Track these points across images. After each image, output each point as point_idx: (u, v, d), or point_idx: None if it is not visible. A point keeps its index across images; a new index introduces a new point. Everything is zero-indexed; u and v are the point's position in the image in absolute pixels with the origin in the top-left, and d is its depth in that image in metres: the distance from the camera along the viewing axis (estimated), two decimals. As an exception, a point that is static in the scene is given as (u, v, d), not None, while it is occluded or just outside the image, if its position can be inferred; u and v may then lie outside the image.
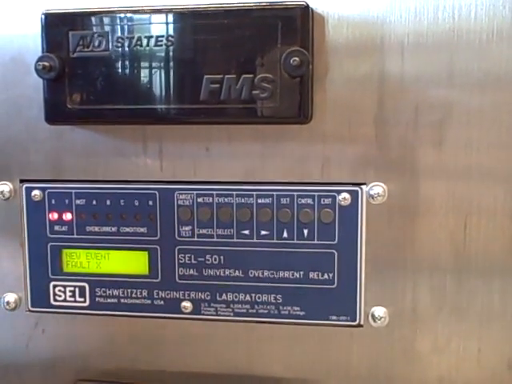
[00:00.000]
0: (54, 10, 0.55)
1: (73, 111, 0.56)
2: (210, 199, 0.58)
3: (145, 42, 0.54)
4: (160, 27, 0.54)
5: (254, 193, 0.57)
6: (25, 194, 0.60)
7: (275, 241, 0.58)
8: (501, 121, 0.53)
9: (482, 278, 0.55)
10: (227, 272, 0.59)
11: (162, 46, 0.54)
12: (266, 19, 0.53)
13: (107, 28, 0.55)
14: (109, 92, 0.55)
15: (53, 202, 0.60)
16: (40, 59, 0.55)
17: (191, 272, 0.59)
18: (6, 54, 0.59)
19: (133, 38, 0.54)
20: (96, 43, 0.55)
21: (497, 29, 0.52)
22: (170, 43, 0.54)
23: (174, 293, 0.60)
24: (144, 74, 0.55)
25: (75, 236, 0.60)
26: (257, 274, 0.58)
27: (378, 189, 0.55)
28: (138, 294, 0.60)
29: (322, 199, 0.56)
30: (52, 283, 0.61)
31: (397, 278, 0.57)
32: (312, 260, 0.57)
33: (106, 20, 0.55)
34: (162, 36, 0.54)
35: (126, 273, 0.60)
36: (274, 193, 0.57)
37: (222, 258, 0.59)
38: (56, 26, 0.55)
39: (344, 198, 0.56)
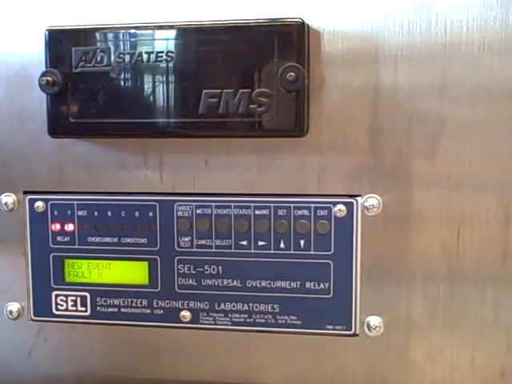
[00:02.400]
0: (57, 26, 0.57)
1: (75, 125, 0.57)
2: (209, 210, 0.59)
3: (145, 57, 0.56)
4: (160, 43, 0.55)
5: (252, 204, 0.58)
6: (28, 205, 0.62)
7: (272, 251, 0.59)
8: (492, 132, 0.54)
9: (474, 287, 0.56)
10: (225, 282, 0.60)
11: (161, 61, 0.55)
12: (263, 35, 0.54)
13: (109, 44, 0.56)
14: (110, 106, 0.57)
15: (55, 213, 0.61)
16: (43, 74, 0.56)
17: (190, 282, 0.60)
18: (10, 69, 0.60)
19: (134, 53, 0.56)
20: (98, 59, 0.56)
21: (488, 43, 0.53)
22: (169, 59, 0.55)
23: (174, 302, 0.61)
24: (144, 88, 0.56)
25: (77, 246, 0.62)
26: (254, 284, 0.59)
27: (372, 201, 0.56)
28: (138, 303, 0.61)
29: (318, 211, 0.58)
30: (54, 293, 0.63)
31: (391, 287, 0.57)
32: (308, 270, 0.58)
33: (108, 36, 0.56)
34: (162, 52, 0.55)
35: (126, 283, 0.61)
36: (272, 204, 0.58)
37: (220, 268, 0.60)
38: (59, 42, 0.57)
39: (340, 209, 0.57)
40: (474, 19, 0.53)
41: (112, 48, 0.56)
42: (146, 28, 0.56)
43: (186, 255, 0.60)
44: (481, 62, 0.53)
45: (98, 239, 0.61)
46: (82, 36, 0.56)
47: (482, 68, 0.53)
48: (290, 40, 0.54)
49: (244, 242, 0.59)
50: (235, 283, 0.60)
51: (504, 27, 0.53)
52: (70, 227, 0.61)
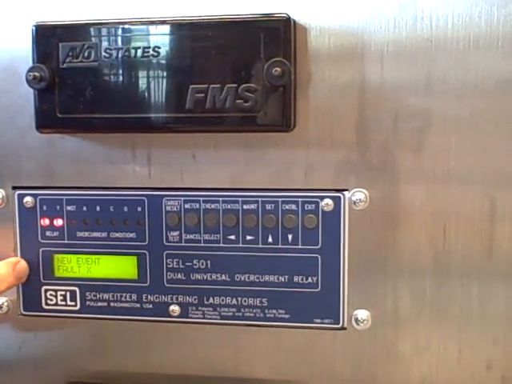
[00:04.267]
0: (44, 21, 0.57)
1: (63, 120, 0.57)
2: (197, 205, 0.59)
3: (132, 52, 0.56)
4: (147, 38, 0.55)
5: (240, 199, 0.59)
6: (17, 200, 0.62)
7: (260, 246, 0.59)
8: (477, 127, 0.54)
9: (460, 280, 0.57)
10: (214, 276, 0.60)
11: (148, 56, 0.56)
12: (249, 31, 0.54)
13: (96, 39, 0.56)
14: (97, 101, 0.57)
15: (44, 208, 0.62)
16: (31, 70, 0.56)
17: (179, 276, 0.61)
18: (-2, 64, 0.60)
19: (121, 49, 0.56)
20: (85, 54, 0.56)
21: (473, 38, 0.53)
22: (156, 54, 0.55)
23: (163, 297, 0.61)
24: (131, 83, 0.56)
25: (66, 241, 0.62)
26: (243, 278, 0.60)
27: (359, 195, 0.57)
28: (128, 297, 0.62)
29: (305, 205, 0.58)
30: (44, 287, 0.63)
31: (379, 281, 0.58)
32: (296, 264, 0.59)
33: (95, 32, 0.56)
34: (149, 47, 0.55)
35: (115, 277, 0.62)
36: (259, 199, 0.58)
37: (208, 262, 0.60)
38: (46, 38, 0.57)
39: (327, 203, 0.57)
40: (459, 14, 0.53)
41: (99, 43, 0.56)
42: (132, 23, 0.56)
43: (175, 250, 0.60)
44: (466, 58, 0.54)
45: (86, 234, 0.61)
46: (69, 31, 0.56)
47: (467, 63, 0.54)
48: (276, 35, 0.54)
49: (232, 237, 0.59)
50: (224, 277, 0.60)
51: (489, 22, 0.53)
52: (58, 222, 0.62)
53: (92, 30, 0.56)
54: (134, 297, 0.62)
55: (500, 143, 0.54)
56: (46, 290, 0.63)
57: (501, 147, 0.54)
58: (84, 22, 0.57)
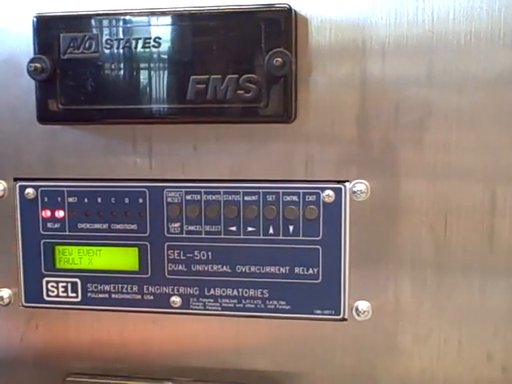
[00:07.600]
0: (45, 12, 0.57)
1: (64, 111, 0.58)
2: (198, 197, 0.59)
3: (133, 43, 0.56)
4: (148, 29, 0.56)
5: (241, 190, 0.59)
6: (18, 192, 0.62)
7: (261, 237, 0.59)
8: (478, 120, 0.54)
9: (461, 272, 0.57)
10: (215, 267, 0.60)
11: (149, 47, 0.56)
12: (250, 21, 0.54)
13: (97, 30, 0.56)
14: (98, 93, 0.57)
15: (45, 199, 0.62)
16: (32, 61, 0.56)
17: (180, 268, 0.61)
18: (-1, 57, 0.60)
19: (122, 40, 0.56)
20: (86, 45, 0.56)
21: (474, 30, 0.53)
22: (157, 45, 0.55)
23: (164, 288, 0.61)
24: (132, 74, 0.56)
25: (67, 233, 0.62)
26: (244, 270, 0.60)
27: (360, 186, 0.57)
28: (129, 289, 0.62)
29: (306, 196, 0.58)
30: (45, 279, 0.63)
31: (379, 272, 0.58)
32: (297, 255, 0.59)
33: (96, 23, 0.56)
34: (150, 38, 0.55)
35: (116, 269, 0.62)
36: (260, 190, 0.59)
37: (209, 253, 0.60)
38: (47, 29, 0.57)
39: (328, 195, 0.57)
40: (460, 6, 0.53)
41: (100, 34, 0.56)
42: (133, 14, 0.56)
43: (176, 241, 0.60)
44: (467, 50, 0.54)
45: (88, 225, 0.61)
46: (70, 22, 0.57)
47: (468, 56, 0.54)
48: (277, 26, 0.54)
49: (233, 228, 0.59)
50: (225, 269, 0.60)
51: (491, 14, 0.53)
52: (60, 214, 0.62)
53: (93, 21, 0.56)
54: (135, 288, 0.62)
55: (501, 136, 0.54)
56: (48, 282, 0.63)
57: (502, 140, 0.54)
58: (85, 12, 0.57)
